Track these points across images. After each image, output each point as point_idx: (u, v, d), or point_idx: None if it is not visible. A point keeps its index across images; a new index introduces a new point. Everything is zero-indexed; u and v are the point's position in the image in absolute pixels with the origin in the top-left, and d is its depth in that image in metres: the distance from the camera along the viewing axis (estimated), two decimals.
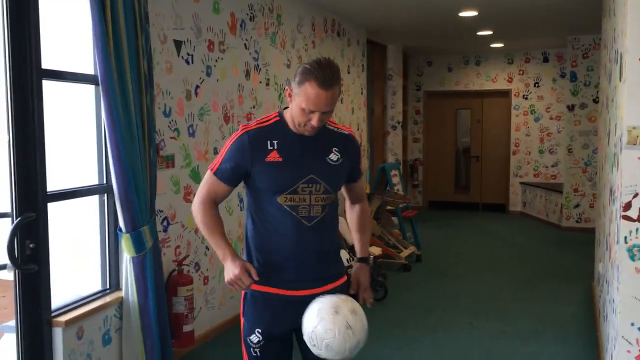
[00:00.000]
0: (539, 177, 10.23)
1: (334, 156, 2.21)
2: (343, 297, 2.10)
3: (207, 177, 2.24)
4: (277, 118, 2.22)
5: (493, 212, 10.42)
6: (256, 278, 2.15)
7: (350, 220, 2.50)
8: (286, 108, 2.24)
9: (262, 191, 2.19)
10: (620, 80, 3.14)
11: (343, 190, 2.42)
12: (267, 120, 2.22)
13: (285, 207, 2.15)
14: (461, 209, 10.66)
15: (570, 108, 8.82)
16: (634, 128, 2.78)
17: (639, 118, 2.76)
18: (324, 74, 2.03)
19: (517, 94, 10.31)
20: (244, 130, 2.18)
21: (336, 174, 2.24)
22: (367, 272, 2.40)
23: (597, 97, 8.07)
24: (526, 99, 10.26)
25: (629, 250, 2.83)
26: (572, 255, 7.15)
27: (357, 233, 2.48)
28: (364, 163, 8.50)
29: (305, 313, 2.06)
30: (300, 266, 2.19)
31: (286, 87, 2.19)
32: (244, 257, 2.27)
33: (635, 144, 2.79)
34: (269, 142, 2.15)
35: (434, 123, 10.93)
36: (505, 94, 10.40)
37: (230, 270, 2.13)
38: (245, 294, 2.26)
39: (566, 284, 5.89)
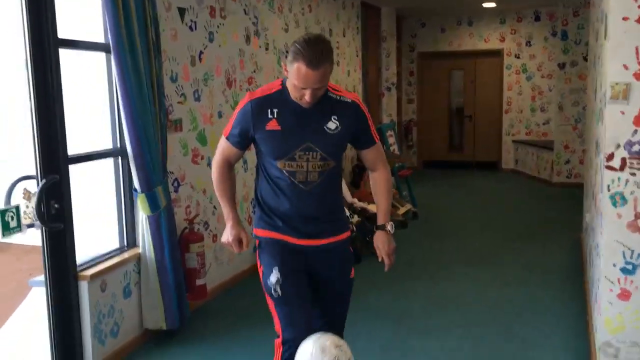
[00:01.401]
0: (531, 135, 10.46)
1: (332, 124, 2.32)
2: (326, 336, 2.23)
3: (221, 141, 2.47)
4: (280, 87, 2.33)
5: (486, 170, 10.68)
6: (246, 249, 2.46)
7: (372, 188, 2.56)
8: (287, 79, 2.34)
9: (265, 155, 2.37)
10: (605, 38, 3.32)
11: (361, 158, 2.53)
12: (271, 89, 2.35)
13: (285, 172, 2.32)
14: (455, 168, 10.90)
15: (561, 66, 8.99)
16: (616, 84, 2.98)
17: (622, 74, 2.95)
18: (313, 55, 2.13)
19: (509, 53, 10.45)
20: (249, 99, 2.33)
21: (333, 142, 2.33)
22: (384, 238, 2.46)
23: (587, 55, 8.23)
24: (518, 58, 10.40)
25: (612, 197, 3.07)
26: (561, 208, 7.43)
27: (376, 199, 2.53)
28: None
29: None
30: (302, 223, 2.37)
31: (282, 63, 2.31)
32: (255, 206, 2.50)
33: (617, 99, 2.99)
34: (269, 110, 2.29)
35: (427, 84, 11.08)
36: (497, 53, 10.53)
37: (226, 234, 2.45)
38: (259, 242, 2.47)
39: (556, 236, 6.17)
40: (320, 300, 2.49)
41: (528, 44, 10.30)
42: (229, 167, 2.49)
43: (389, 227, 2.47)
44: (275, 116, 2.29)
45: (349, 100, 2.38)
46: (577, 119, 8.86)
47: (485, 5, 9.56)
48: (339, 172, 2.46)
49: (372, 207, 6.03)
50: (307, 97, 2.22)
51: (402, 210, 6.87)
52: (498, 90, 10.64)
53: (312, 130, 2.30)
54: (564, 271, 5.05)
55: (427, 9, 10.05)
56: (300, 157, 2.30)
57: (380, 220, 2.51)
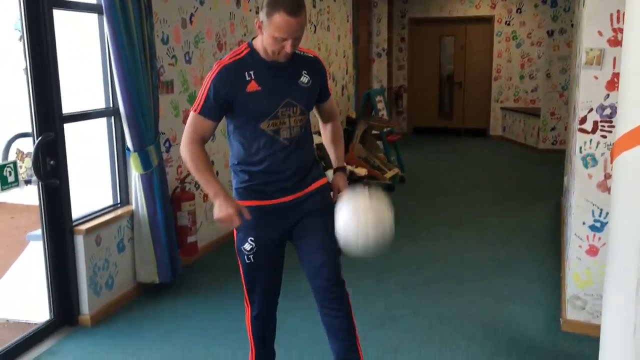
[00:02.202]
0: (519, 102, 10.58)
1: (304, 79, 2.40)
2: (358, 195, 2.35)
3: (191, 118, 2.34)
4: (248, 49, 2.36)
5: (474, 137, 10.83)
6: (248, 217, 2.32)
7: (325, 138, 2.68)
8: (254, 38, 2.36)
9: (245, 119, 2.34)
10: (583, 5, 3.43)
11: (315, 111, 2.59)
12: (240, 53, 2.37)
13: (269, 132, 2.35)
14: (444, 134, 11.05)
15: (550, 33, 9.06)
16: (591, 49, 3.10)
17: (596, 40, 3.07)
18: (291, 3, 2.16)
19: (499, 20, 10.49)
20: (221, 66, 2.32)
21: (308, 95, 2.42)
22: (344, 178, 2.61)
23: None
24: (508, 25, 10.45)
25: (583, 159, 3.23)
26: (545, 174, 7.61)
27: (332, 147, 2.66)
28: (350, 89, 8.77)
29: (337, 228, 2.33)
30: (286, 180, 2.42)
31: (255, 20, 2.33)
32: (232, 171, 2.47)
33: (592, 64, 3.12)
34: (246, 73, 2.30)
35: (418, 50, 11.13)
36: (488, 20, 10.57)
37: (223, 209, 2.27)
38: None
39: (539, 199, 6.37)
40: (309, 244, 2.48)
41: (518, 10, 10.35)
42: (202, 144, 2.37)
43: (347, 170, 2.60)
44: (253, 77, 2.29)
45: (312, 56, 2.49)
46: (564, 86, 8.98)
47: None
48: (310, 124, 2.54)
49: (359, 171, 6.19)
50: (288, 48, 2.23)
51: (389, 174, 7.02)
52: (488, 57, 10.71)
53: (290, 86, 2.36)
54: (545, 232, 5.24)
55: None
56: (282, 114, 2.34)
57: (339, 163, 2.66)
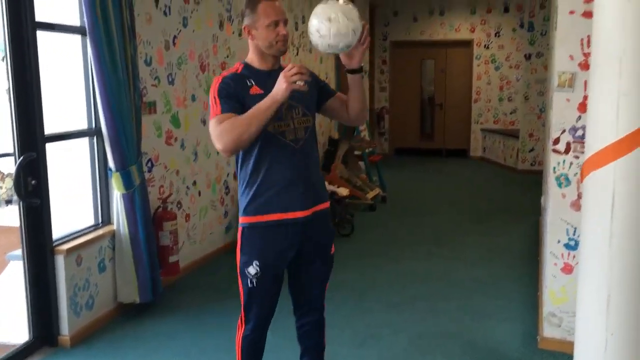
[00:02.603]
0: (498, 124, 10.77)
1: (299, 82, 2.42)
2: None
3: (216, 120, 2.27)
4: (243, 65, 2.44)
5: (455, 158, 10.98)
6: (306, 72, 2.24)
7: (351, 105, 2.53)
8: (246, 59, 2.45)
9: None
10: (554, 30, 3.55)
11: (335, 112, 2.55)
12: (237, 69, 2.44)
13: (276, 135, 2.37)
14: (425, 155, 11.18)
15: (528, 57, 9.28)
16: (563, 73, 3.21)
17: (567, 64, 3.19)
18: None
19: (479, 43, 10.71)
20: (222, 76, 2.39)
21: (307, 96, 2.42)
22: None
23: None
24: (487, 48, 10.67)
25: (557, 179, 3.31)
26: (524, 194, 7.73)
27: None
28: None
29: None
30: (294, 189, 2.40)
31: (243, 28, 2.40)
32: (243, 193, 2.42)
33: (564, 87, 3.22)
34: (246, 81, 2.38)
35: (399, 72, 11.30)
36: (467, 44, 10.79)
37: (281, 81, 2.21)
38: (243, 229, 2.43)
39: (516, 219, 6.46)
40: (301, 280, 2.56)
41: (497, 34, 10.58)
42: None
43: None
44: (254, 83, 2.36)
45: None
46: (542, 108, 9.16)
47: None
48: (315, 133, 2.55)
49: (341, 191, 6.24)
50: (283, 29, 2.32)
51: (371, 194, 7.09)
52: (468, 80, 10.91)
53: None
54: (523, 251, 5.32)
55: None
56: (286, 115, 2.38)
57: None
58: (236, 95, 2.32)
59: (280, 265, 2.47)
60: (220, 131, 2.24)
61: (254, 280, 2.43)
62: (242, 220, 2.44)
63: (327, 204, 2.56)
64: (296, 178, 2.40)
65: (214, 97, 2.33)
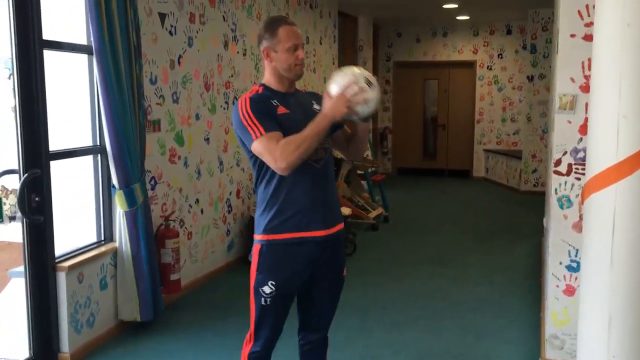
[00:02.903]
0: (501, 145, 10.79)
1: (316, 106, 2.48)
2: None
3: (265, 138, 2.28)
4: (262, 87, 2.48)
5: (458, 178, 10.99)
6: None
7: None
8: (263, 82, 2.49)
9: None
10: (556, 52, 3.58)
11: (334, 145, 2.57)
12: (256, 91, 2.47)
13: None
14: (428, 175, 11.19)
15: (530, 78, 9.32)
16: (564, 95, 3.24)
17: (568, 86, 3.21)
18: (284, 17, 2.41)
19: (481, 65, 10.78)
20: (248, 97, 2.40)
21: None
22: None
23: None
24: (490, 69, 10.74)
25: (559, 200, 3.32)
26: (526, 215, 7.72)
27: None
28: None
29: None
30: (315, 208, 2.39)
31: (262, 50, 2.44)
32: (261, 213, 2.42)
33: (565, 109, 3.25)
34: (271, 101, 2.42)
35: (403, 93, 11.36)
36: (470, 65, 10.86)
37: (341, 102, 2.27)
38: (261, 246, 2.42)
39: (519, 239, 6.45)
40: (312, 299, 2.56)
41: (500, 56, 10.65)
42: None
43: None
44: (278, 103, 2.39)
45: (314, 91, 2.64)
46: (545, 129, 9.19)
47: (459, 17, 9.87)
48: (331, 157, 2.56)
49: (343, 210, 6.24)
50: (301, 53, 2.38)
51: (373, 214, 7.09)
52: (471, 101, 10.96)
53: (307, 111, 2.44)
54: (525, 271, 5.31)
55: (403, 19, 10.34)
56: None
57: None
58: (269, 113, 2.34)
59: (295, 285, 2.48)
60: (282, 150, 2.24)
61: (268, 300, 2.43)
62: (261, 237, 2.42)
63: (342, 225, 2.56)
64: (317, 197, 2.42)
65: (249, 117, 2.32)
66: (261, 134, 2.28)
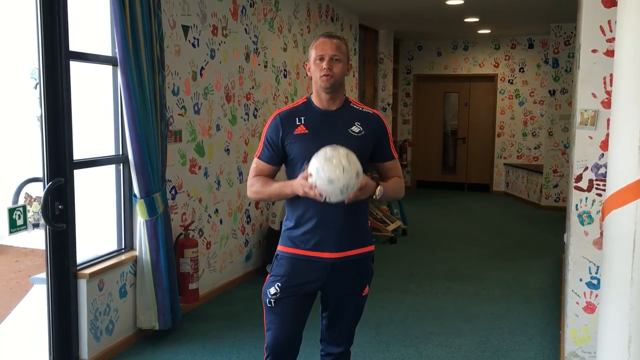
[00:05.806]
0: (522, 159, 10.70)
1: (355, 128, 2.47)
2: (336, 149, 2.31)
3: (254, 162, 2.54)
4: (305, 100, 2.55)
5: (477, 192, 10.91)
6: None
7: None
8: (312, 94, 2.52)
9: (293, 162, 2.45)
10: (577, 68, 3.56)
11: (381, 175, 2.58)
12: (297, 103, 2.56)
13: None
14: (447, 189, 11.13)
15: (552, 93, 9.26)
16: (585, 110, 3.22)
17: (590, 102, 3.19)
18: (327, 32, 2.47)
19: (502, 78, 10.73)
20: (277, 113, 2.52)
21: (357, 144, 2.39)
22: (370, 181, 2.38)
23: None
24: (511, 83, 10.68)
25: (579, 216, 3.29)
26: (546, 230, 7.64)
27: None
28: None
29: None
30: (327, 230, 2.40)
31: (305, 64, 2.52)
32: (284, 224, 2.53)
33: (586, 125, 3.22)
34: (297, 119, 2.47)
35: (423, 106, 11.35)
36: (491, 78, 10.82)
37: (300, 185, 2.32)
38: (277, 254, 2.52)
39: (538, 256, 6.38)
40: (330, 314, 2.57)
41: (521, 70, 10.59)
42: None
43: (377, 191, 2.40)
44: (302, 122, 2.45)
45: (371, 112, 2.57)
46: (566, 144, 9.10)
47: (481, 31, 9.86)
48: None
49: None
50: (325, 64, 2.38)
51: (391, 227, 7.07)
52: (491, 114, 10.90)
53: (337, 132, 2.44)
54: (545, 288, 5.24)
55: (424, 32, 10.35)
56: None
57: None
58: (277, 142, 2.47)
59: (300, 292, 2.47)
60: (249, 184, 2.55)
61: (272, 301, 2.48)
62: (278, 247, 2.54)
63: (365, 249, 2.51)
64: (332, 220, 2.42)
65: (263, 135, 2.54)
66: (256, 157, 2.55)
